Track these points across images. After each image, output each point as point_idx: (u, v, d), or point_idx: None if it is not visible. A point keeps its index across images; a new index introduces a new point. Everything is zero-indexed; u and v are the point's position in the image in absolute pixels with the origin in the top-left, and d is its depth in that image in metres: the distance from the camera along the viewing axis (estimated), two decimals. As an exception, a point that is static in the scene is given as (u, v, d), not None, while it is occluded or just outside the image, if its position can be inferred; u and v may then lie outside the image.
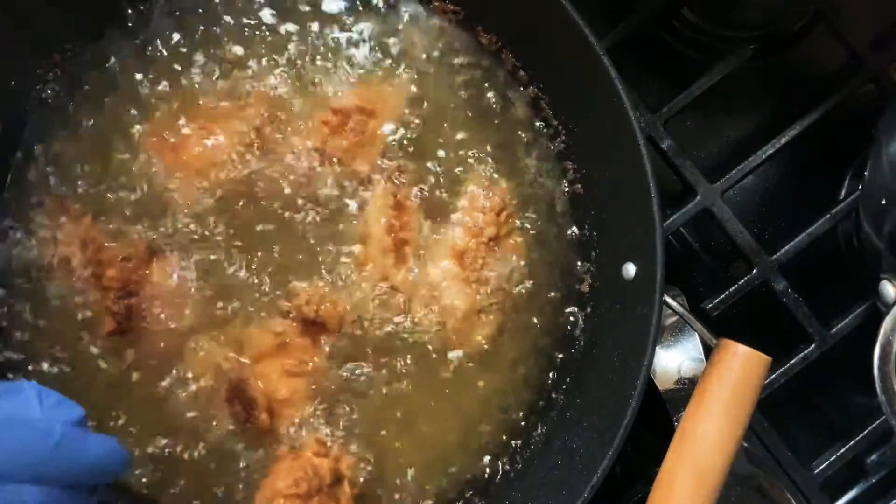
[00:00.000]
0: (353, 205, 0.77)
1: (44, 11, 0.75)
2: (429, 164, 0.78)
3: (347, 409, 0.76)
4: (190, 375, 0.75)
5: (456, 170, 0.79)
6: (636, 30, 0.90)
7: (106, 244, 0.75)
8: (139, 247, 0.75)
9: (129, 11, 0.78)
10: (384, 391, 0.76)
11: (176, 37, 0.78)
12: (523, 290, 0.78)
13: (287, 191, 0.77)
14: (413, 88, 0.79)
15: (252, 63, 0.78)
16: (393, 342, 0.76)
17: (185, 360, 0.75)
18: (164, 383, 0.75)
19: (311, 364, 0.75)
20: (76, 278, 0.75)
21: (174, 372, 0.75)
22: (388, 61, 0.79)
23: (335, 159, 0.77)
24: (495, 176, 0.79)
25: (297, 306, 0.75)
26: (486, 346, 0.77)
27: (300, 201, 0.77)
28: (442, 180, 0.78)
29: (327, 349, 0.75)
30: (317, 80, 0.78)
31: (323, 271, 0.76)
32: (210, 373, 0.75)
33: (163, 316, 0.75)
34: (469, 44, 0.80)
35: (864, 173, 0.82)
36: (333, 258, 0.77)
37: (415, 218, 0.77)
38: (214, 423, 0.75)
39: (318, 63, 0.79)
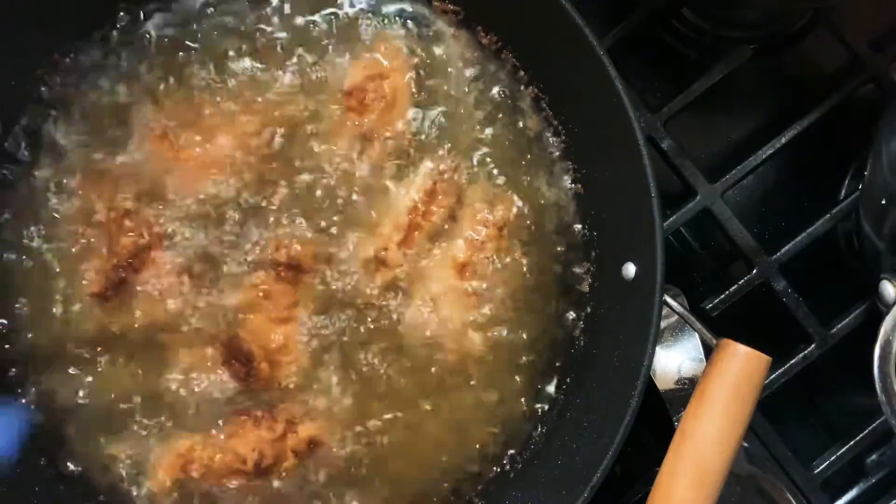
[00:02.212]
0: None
1: (43, 12, 0.75)
2: (430, 166, 0.79)
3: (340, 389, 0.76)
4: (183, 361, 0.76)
5: (459, 174, 0.79)
6: (636, 30, 0.90)
7: (131, 213, 0.76)
8: (152, 230, 0.76)
9: (124, 13, 0.78)
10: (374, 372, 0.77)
11: (174, 39, 0.78)
12: (523, 291, 0.78)
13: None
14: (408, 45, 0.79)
15: (255, 65, 0.78)
16: (382, 327, 0.77)
17: (176, 344, 0.76)
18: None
19: (296, 309, 0.75)
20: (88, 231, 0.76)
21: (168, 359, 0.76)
22: (382, 25, 0.80)
23: (376, 133, 0.77)
24: (498, 184, 0.79)
25: (270, 248, 0.75)
26: (484, 349, 0.77)
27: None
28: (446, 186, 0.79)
29: (309, 293, 0.76)
30: (322, 76, 0.78)
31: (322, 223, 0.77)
32: (201, 345, 0.75)
33: (157, 296, 0.76)
34: (469, 44, 0.80)
35: (864, 173, 0.82)
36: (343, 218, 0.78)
37: (441, 213, 0.77)
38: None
39: (317, 58, 0.79)
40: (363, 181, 0.77)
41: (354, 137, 0.77)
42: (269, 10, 0.79)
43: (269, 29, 0.79)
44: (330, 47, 0.79)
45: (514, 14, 0.76)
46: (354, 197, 0.77)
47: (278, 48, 0.78)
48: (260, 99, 0.78)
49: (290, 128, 0.77)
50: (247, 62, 0.78)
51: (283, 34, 0.79)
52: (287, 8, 0.79)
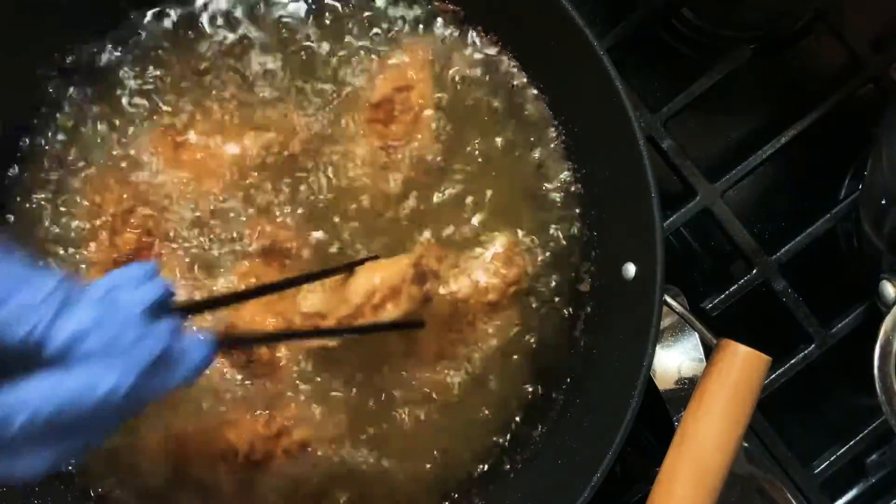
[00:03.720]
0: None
1: (44, 12, 0.75)
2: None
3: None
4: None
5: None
6: (636, 30, 0.90)
7: (136, 209, 0.76)
8: (156, 227, 0.76)
9: (132, 16, 0.78)
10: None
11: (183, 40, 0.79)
12: (523, 291, 0.78)
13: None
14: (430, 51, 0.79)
15: (267, 77, 0.78)
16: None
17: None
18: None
19: (286, 291, 0.74)
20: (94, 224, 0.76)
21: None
22: (403, 33, 0.79)
23: (401, 145, 0.77)
24: (496, 184, 0.78)
25: (251, 238, 0.75)
26: (484, 349, 0.77)
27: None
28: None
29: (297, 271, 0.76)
30: (346, 85, 0.78)
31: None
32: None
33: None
34: (469, 44, 0.80)
35: (864, 173, 0.82)
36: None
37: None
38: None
39: (339, 68, 0.79)
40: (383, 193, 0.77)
41: (377, 150, 0.77)
42: (289, 18, 0.79)
43: (293, 37, 0.79)
44: (352, 59, 0.79)
45: (514, 14, 0.76)
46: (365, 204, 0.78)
47: (301, 56, 0.78)
48: (275, 110, 0.78)
49: (309, 139, 0.77)
50: (259, 65, 0.78)
51: (309, 43, 0.79)
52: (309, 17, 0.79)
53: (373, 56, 0.78)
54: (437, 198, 0.78)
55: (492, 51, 0.80)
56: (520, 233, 0.79)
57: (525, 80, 0.80)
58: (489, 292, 0.76)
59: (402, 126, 0.77)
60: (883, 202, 0.75)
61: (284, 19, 0.79)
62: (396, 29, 0.79)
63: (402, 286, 0.69)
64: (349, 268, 0.70)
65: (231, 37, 0.78)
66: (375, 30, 0.79)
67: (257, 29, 0.78)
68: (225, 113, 0.77)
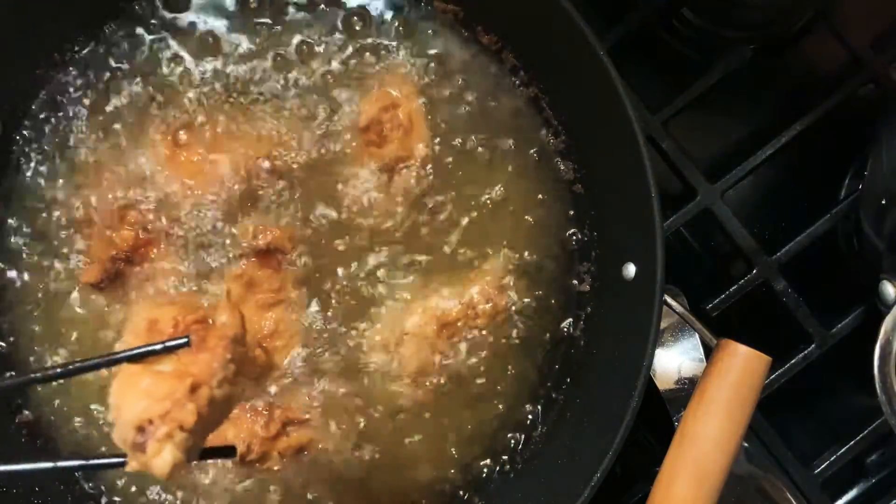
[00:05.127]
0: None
1: (44, 12, 0.75)
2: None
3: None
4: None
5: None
6: (636, 30, 0.90)
7: (134, 207, 0.76)
8: (154, 227, 0.76)
9: (136, 8, 0.78)
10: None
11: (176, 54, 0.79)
12: (524, 290, 0.78)
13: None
14: (414, 67, 0.79)
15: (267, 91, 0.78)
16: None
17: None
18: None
19: (282, 293, 0.75)
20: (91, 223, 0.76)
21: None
22: (383, 55, 0.79)
23: (398, 160, 0.77)
24: (496, 185, 0.78)
25: (246, 239, 0.75)
26: (485, 348, 0.77)
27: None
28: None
29: (292, 272, 0.76)
30: (336, 117, 0.78)
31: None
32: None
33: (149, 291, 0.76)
34: (469, 45, 0.80)
35: (864, 173, 0.82)
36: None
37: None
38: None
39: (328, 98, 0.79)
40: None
41: (378, 169, 0.77)
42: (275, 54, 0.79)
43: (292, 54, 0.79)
44: (338, 87, 0.78)
45: (514, 14, 0.76)
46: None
47: (300, 74, 0.79)
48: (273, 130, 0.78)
49: (308, 155, 0.78)
50: (259, 77, 0.78)
51: (300, 77, 0.79)
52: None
53: (360, 75, 0.78)
54: (429, 215, 0.78)
55: (491, 51, 0.80)
56: (515, 252, 0.78)
57: (525, 79, 0.80)
58: (478, 317, 0.76)
59: (396, 144, 0.77)
60: (883, 202, 0.76)
61: (287, 38, 0.79)
62: (382, 43, 0.79)
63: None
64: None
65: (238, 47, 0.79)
66: (365, 48, 0.79)
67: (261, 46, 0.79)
68: (227, 120, 0.77)
